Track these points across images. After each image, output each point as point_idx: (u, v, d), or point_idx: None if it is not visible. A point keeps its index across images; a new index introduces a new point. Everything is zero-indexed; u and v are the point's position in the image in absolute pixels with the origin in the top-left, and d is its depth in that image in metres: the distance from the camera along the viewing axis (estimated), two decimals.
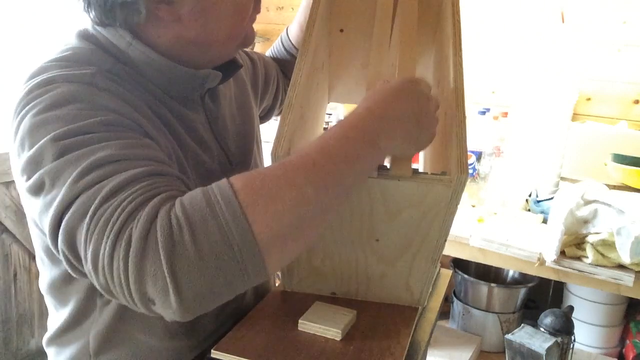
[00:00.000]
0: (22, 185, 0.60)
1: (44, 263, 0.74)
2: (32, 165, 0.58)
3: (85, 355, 0.74)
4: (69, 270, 0.58)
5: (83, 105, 0.60)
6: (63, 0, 1.98)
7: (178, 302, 0.48)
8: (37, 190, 0.57)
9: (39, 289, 2.11)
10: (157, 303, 0.49)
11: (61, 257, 0.56)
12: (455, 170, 0.62)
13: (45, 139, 0.57)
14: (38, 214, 0.58)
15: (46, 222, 0.55)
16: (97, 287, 0.53)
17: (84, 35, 0.71)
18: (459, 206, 0.68)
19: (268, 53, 1.13)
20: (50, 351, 0.80)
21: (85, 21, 0.71)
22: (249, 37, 0.76)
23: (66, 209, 0.54)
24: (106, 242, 0.50)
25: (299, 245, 0.54)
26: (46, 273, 0.75)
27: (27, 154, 0.58)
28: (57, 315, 0.77)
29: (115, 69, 0.67)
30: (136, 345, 0.74)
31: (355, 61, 0.95)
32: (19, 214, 1.92)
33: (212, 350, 0.66)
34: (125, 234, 0.49)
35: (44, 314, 2.06)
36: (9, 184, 1.89)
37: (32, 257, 1.99)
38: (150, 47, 0.69)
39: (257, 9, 0.75)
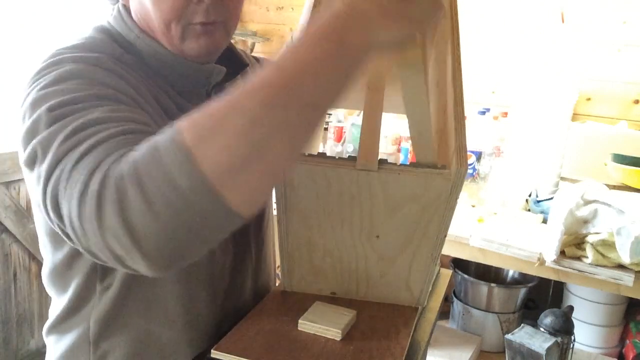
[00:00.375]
0: (21, 159, 0.60)
1: (46, 247, 0.75)
2: (29, 136, 0.59)
3: (86, 342, 0.75)
4: (67, 240, 0.57)
5: (83, 81, 0.62)
6: (63, 0, 1.98)
7: (142, 255, 0.47)
8: (32, 162, 0.58)
9: (39, 289, 2.11)
10: (126, 259, 0.49)
11: (55, 227, 0.56)
12: (455, 163, 0.62)
13: (40, 109, 0.58)
14: (34, 187, 0.58)
15: (38, 193, 0.56)
16: (83, 251, 0.53)
17: (99, 28, 0.75)
18: (459, 206, 0.68)
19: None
20: (50, 340, 0.80)
21: (98, 19, 0.77)
22: (193, 29, 0.71)
23: (51, 175, 0.54)
24: (74, 204, 0.50)
25: (264, 174, 0.47)
26: (48, 258, 0.75)
27: (25, 126, 0.60)
28: (58, 302, 0.78)
29: (124, 58, 0.71)
30: (136, 331, 0.75)
31: None
32: (19, 214, 1.93)
33: (212, 350, 0.66)
34: (85, 194, 0.49)
35: (44, 314, 2.06)
36: (9, 184, 1.89)
37: (32, 257, 1.99)
38: (154, 40, 0.73)
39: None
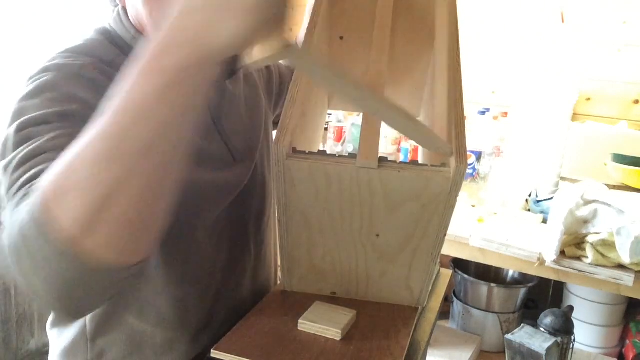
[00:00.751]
0: None
1: None
2: (1, 151, 0.61)
3: (83, 339, 0.77)
4: None
5: (54, 95, 0.64)
6: (63, 1, 1.98)
7: (45, 306, 0.53)
8: None
9: None
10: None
11: None
12: (455, 161, 0.62)
13: (12, 127, 0.61)
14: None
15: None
16: None
17: (100, 30, 0.78)
18: (458, 206, 0.68)
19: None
20: (52, 334, 0.82)
21: (99, 19, 0.80)
22: None
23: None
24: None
25: (123, 221, 0.45)
26: None
27: (2, 138, 0.62)
28: None
29: (117, 61, 0.72)
30: (130, 330, 0.76)
31: (354, 69, 0.96)
32: None
33: (212, 350, 0.66)
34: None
35: (43, 314, 2.06)
36: None
37: None
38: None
39: None
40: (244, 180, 0.84)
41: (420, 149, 0.97)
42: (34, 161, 0.57)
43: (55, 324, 0.81)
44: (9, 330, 1.96)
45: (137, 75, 0.44)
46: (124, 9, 0.77)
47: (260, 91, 0.95)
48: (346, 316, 0.73)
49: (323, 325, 0.70)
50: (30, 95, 0.64)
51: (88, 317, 0.76)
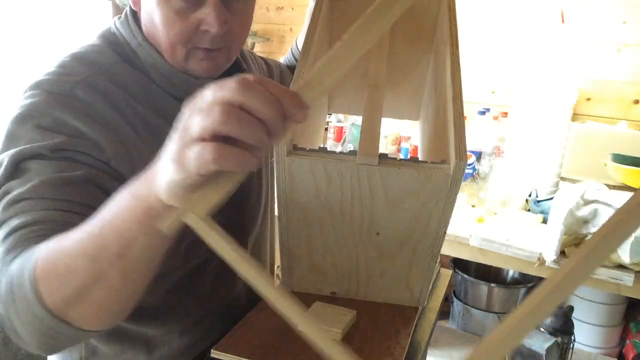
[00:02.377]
0: None
1: None
2: None
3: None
4: None
5: (46, 122, 0.65)
6: (63, 1, 1.98)
7: (29, 348, 0.59)
8: None
9: None
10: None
11: None
12: (454, 157, 0.62)
13: (5, 154, 0.64)
14: None
15: None
16: None
17: (104, 34, 0.77)
18: (458, 206, 0.68)
19: (282, 60, 1.14)
20: None
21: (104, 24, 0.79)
22: (196, 53, 0.73)
23: None
24: None
25: (98, 308, 0.55)
26: None
27: None
28: None
29: (115, 68, 0.72)
30: (123, 327, 0.77)
31: (354, 72, 0.96)
32: None
33: (212, 350, 0.66)
34: None
35: None
36: None
37: None
38: (154, 50, 0.74)
39: (210, 24, 0.69)
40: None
41: (419, 148, 0.97)
42: (21, 206, 0.61)
43: None
44: None
45: (120, 201, 0.51)
46: (133, 12, 0.75)
47: None
48: (346, 316, 0.73)
49: (323, 325, 0.70)
50: (21, 118, 0.66)
51: None
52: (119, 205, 0.51)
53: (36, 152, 0.64)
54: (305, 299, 0.78)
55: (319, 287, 0.80)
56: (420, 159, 0.67)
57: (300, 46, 1.07)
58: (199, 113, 0.42)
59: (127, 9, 0.76)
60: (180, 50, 0.72)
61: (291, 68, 1.11)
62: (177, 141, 0.43)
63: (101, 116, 0.68)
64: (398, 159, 0.66)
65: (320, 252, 0.76)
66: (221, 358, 0.66)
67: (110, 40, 0.76)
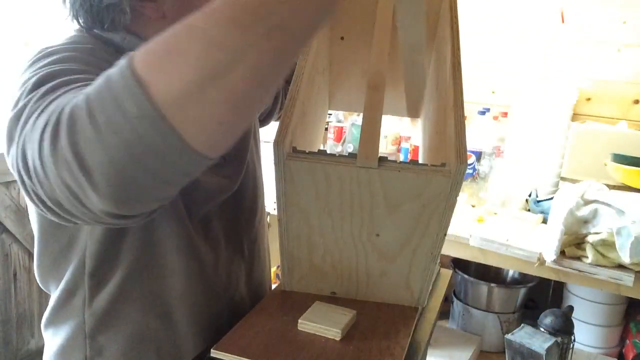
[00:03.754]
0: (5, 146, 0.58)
1: (40, 242, 0.76)
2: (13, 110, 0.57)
3: (81, 336, 0.76)
4: (40, 206, 0.54)
5: (72, 64, 0.61)
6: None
7: (93, 189, 0.44)
8: (10, 136, 0.55)
9: (39, 288, 2.10)
10: (80, 195, 0.46)
11: (29, 191, 0.54)
12: (455, 160, 0.62)
13: (28, 82, 0.57)
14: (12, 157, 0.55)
15: (14, 156, 0.53)
16: (50, 203, 0.51)
17: (83, 31, 0.74)
18: (459, 206, 0.68)
19: None
20: (47, 334, 0.81)
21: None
22: None
23: (22, 131, 0.52)
24: (35, 146, 0.48)
25: (222, 105, 0.42)
26: (42, 250, 0.76)
27: (12, 101, 0.58)
28: (51, 296, 0.79)
29: (113, 59, 0.70)
30: (133, 326, 0.75)
31: (355, 69, 0.96)
32: (19, 214, 1.93)
33: (211, 350, 0.66)
34: (45, 132, 0.47)
35: (43, 313, 2.06)
36: (9, 184, 1.89)
37: (32, 257, 1.99)
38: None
39: None
40: (235, 181, 0.84)
41: (420, 149, 0.97)
42: (67, 84, 0.53)
43: (50, 323, 0.80)
44: (9, 330, 1.96)
45: None
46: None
47: None
48: (346, 316, 0.73)
49: (323, 325, 0.70)
50: (49, 63, 0.60)
51: (87, 313, 0.75)
52: None
53: (67, 72, 0.58)
54: (305, 299, 0.78)
55: (319, 287, 0.80)
56: (420, 161, 0.67)
57: None
58: None
59: (78, 28, 0.73)
60: None
61: None
62: None
63: None
64: (398, 161, 0.66)
65: (320, 254, 0.76)
66: (221, 358, 0.66)
67: (95, 36, 0.72)
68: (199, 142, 0.43)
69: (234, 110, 0.43)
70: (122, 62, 0.43)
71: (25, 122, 0.52)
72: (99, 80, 0.45)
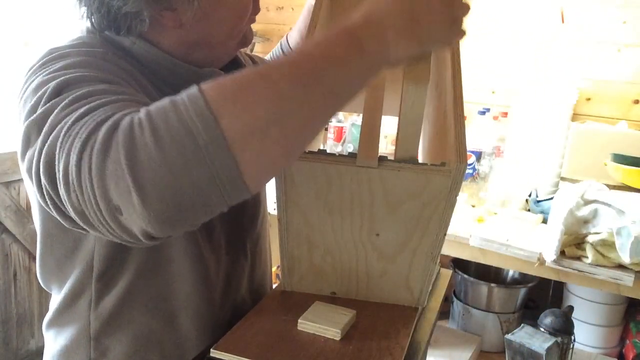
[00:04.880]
0: (18, 145, 0.58)
1: (44, 244, 0.75)
2: (29, 114, 0.57)
3: (85, 338, 0.75)
4: (54, 212, 0.55)
5: (90, 70, 0.61)
6: (62, 1, 1.98)
7: (141, 202, 0.45)
8: (27, 140, 0.56)
9: (39, 288, 2.11)
10: (123, 209, 0.46)
11: (45, 197, 0.54)
12: (455, 159, 0.62)
13: (46, 86, 0.57)
14: (27, 163, 0.55)
15: (31, 160, 0.54)
16: (72, 213, 0.51)
17: (93, 32, 0.73)
18: (458, 206, 0.68)
19: (267, 57, 1.13)
20: (48, 335, 0.81)
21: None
22: (247, 37, 0.78)
23: (48, 137, 0.52)
24: (74, 153, 0.48)
25: (278, 147, 0.48)
26: (46, 252, 0.75)
27: (26, 109, 0.58)
28: (55, 298, 0.79)
29: (123, 63, 0.70)
30: (139, 328, 0.75)
31: None
32: (19, 214, 1.93)
33: (211, 350, 0.66)
34: (90, 141, 0.48)
35: (43, 314, 2.05)
36: (9, 184, 1.89)
37: (32, 257, 1.99)
38: (154, 46, 0.72)
39: (255, 9, 0.76)
40: None
41: (420, 149, 0.97)
42: (98, 96, 0.54)
43: (53, 324, 0.80)
44: (9, 330, 1.96)
45: (333, 39, 0.53)
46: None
47: None
48: (346, 316, 0.73)
49: (323, 325, 0.70)
50: (61, 69, 0.60)
51: (92, 316, 0.74)
52: (339, 49, 0.51)
53: (86, 79, 0.59)
54: (305, 299, 0.78)
55: (319, 287, 0.80)
56: (420, 161, 0.67)
57: (290, 42, 1.07)
58: (432, 8, 0.56)
59: (85, 28, 0.73)
60: (237, 37, 0.75)
61: None
62: (439, 20, 0.57)
63: (134, 79, 0.67)
64: (398, 161, 0.66)
65: (320, 253, 0.76)
66: (221, 358, 0.66)
67: (99, 35, 0.71)
68: (250, 176, 0.47)
69: (284, 152, 0.50)
70: (191, 90, 0.47)
71: (52, 129, 0.52)
72: (163, 102, 0.48)
